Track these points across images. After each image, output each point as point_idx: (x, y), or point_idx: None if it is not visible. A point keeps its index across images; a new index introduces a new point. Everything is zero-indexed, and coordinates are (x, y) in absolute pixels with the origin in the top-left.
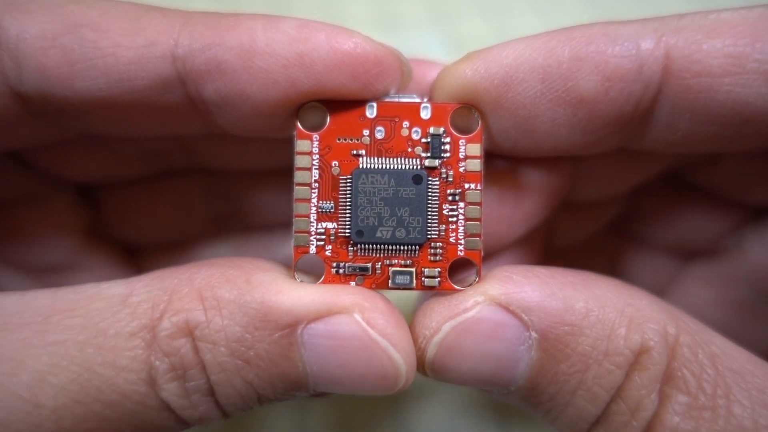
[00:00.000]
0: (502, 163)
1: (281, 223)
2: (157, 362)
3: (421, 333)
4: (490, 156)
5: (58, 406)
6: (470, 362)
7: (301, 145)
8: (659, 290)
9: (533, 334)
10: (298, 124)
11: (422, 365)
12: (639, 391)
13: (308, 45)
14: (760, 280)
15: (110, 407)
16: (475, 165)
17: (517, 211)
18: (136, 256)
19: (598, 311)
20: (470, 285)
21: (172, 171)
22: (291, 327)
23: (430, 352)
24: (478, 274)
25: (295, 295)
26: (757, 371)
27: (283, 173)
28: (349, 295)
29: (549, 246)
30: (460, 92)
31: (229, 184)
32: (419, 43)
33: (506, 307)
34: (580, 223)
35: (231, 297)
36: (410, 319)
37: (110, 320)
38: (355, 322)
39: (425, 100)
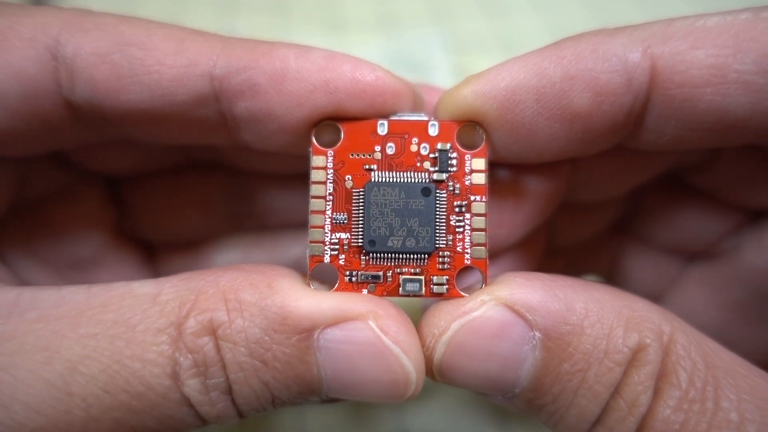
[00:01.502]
0: (504, 172)
1: (295, 224)
2: (182, 358)
3: (429, 332)
4: (492, 165)
5: (87, 395)
6: (477, 362)
7: (316, 160)
8: (659, 291)
9: (537, 333)
10: (314, 141)
11: (430, 366)
12: (636, 387)
13: (334, 74)
14: (757, 283)
15: (136, 398)
16: (480, 178)
17: (517, 215)
18: (154, 256)
19: (597, 311)
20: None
21: (194, 166)
22: (308, 331)
23: (439, 350)
24: (484, 281)
25: (313, 301)
26: (744, 371)
27: (300, 178)
28: (364, 302)
29: (552, 245)
30: (463, 114)
31: (248, 184)
32: (419, 42)
33: (511, 307)
34: (582, 223)
35: (253, 300)
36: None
37: (140, 317)
38: (370, 329)
39: (432, 118)
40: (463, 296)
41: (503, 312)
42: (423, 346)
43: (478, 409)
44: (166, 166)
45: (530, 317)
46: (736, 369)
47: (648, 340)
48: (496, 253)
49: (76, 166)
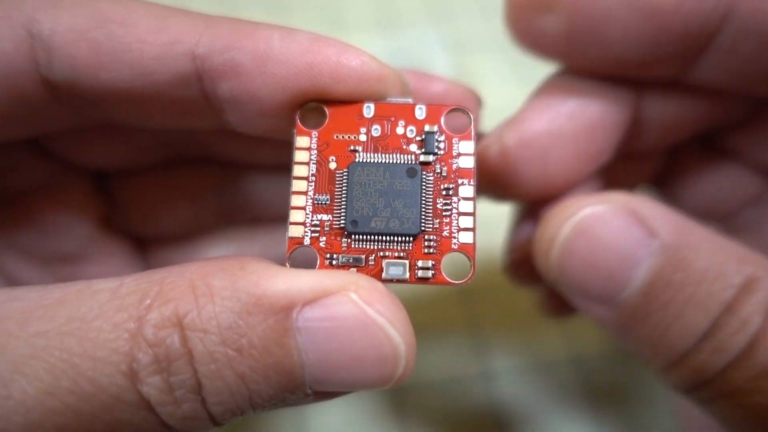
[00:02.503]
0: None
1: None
2: (140, 354)
3: (557, 218)
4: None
5: (27, 398)
6: (598, 251)
7: (300, 141)
8: None
9: (656, 242)
10: (298, 121)
11: (548, 253)
12: (749, 307)
13: (318, 57)
14: None
15: (84, 400)
16: (468, 162)
17: (590, 146)
18: (145, 249)
19: (711, 243)
20: (465, 280)
21: (184, 161)
22: (285, 311)
23: (566, 230)
24: (472, 267)
25: (289, 277)
26: None
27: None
28: (344, 276)
29: None
30: None
31: (239, 177)
32: (419, 43)
33: (635, 212)
34: (627, 175)
35: (224, 284)
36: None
37: (97, 312)
38: (352, 302)
39: (420, 102)
40: (449, 282)
41: (626, 213)
42: (544, 237)
43: (478, 414)
44: (154, 161)
45: (653, 224)
46: None
47: (761, 274)
48: (569, 187)
49: (61, 159)
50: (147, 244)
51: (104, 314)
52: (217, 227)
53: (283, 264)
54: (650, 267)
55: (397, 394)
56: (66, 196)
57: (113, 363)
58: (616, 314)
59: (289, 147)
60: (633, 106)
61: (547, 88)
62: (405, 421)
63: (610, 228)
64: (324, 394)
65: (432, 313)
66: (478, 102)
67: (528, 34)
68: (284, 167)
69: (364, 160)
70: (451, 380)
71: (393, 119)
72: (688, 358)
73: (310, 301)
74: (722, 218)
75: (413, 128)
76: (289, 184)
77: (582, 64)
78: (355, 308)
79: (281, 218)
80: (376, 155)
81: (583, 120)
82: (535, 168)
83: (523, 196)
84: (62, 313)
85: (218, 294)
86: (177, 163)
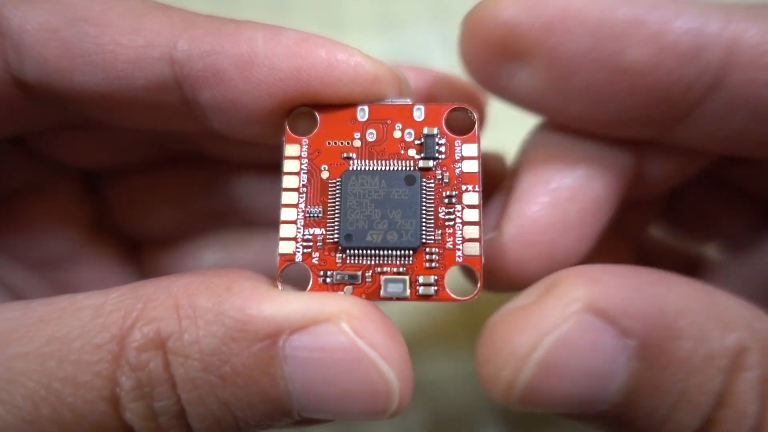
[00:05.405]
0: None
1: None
2: (123, 378)
3: (513, 354)
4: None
5: (6, 426)
6: (568, 381)
7: (290, 149)
8: None
9: (631, 341)
10: (287, 128)
11: (509, 392)
12: (743, 396)
13: (307, 61)
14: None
15: (65, 429)
16: (472, 166)
17: (596, 223)
18: (136, 250)
19: (690, 313)
20: (471, 296)
21: (174, 160)
22: (272, 338)
23: (527, 372)
24: (480, 281)
25: (277, 301)
26: None
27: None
28: (336, 302)
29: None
30: (494, 31)
31: (229, 178)
32: (419, 42)
33: (604, 313)
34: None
35: (209, 305)
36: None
37: (79, 331)
38: (343, 332)
39: (418, 103)
40: (453, 299)
41: (595, 320)
42: (499, 368)
43: (478, 412)
44: (143, 160)
45: (626, 324)
46: None
47: (748, 342)
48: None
49: (46, 158)
50: (139, 246)
51: (86, 334)
52: (210, 229)
53: (275, 277)
54: (629, 374)
55: None
56: (53, 199)
57: (96, 389)
58: (596, 423)
59: (280, 148)
60: (633, 168)
61: (539, 158)
62: (405, 421)
63: (580, 351)
64: (315, 419)
65: (434, 315)
66: (482, 100)
67: (494, 84)
68: (274, 166)
69: (359, 168)
70: (451, 380)
71: (389, 122)
72: None
73: (298, 328)
74: (725, 239)
75: (411, 131)
76: (279, 196)
77: (561, 121)
78: (345, 339)
79: (271, 221)
80: (371, 162)
81: (586, 198)
82: (539, 262)
83: (521, 286)
84: (43, 333)
85: (202, 317)
86: (166, 162)
